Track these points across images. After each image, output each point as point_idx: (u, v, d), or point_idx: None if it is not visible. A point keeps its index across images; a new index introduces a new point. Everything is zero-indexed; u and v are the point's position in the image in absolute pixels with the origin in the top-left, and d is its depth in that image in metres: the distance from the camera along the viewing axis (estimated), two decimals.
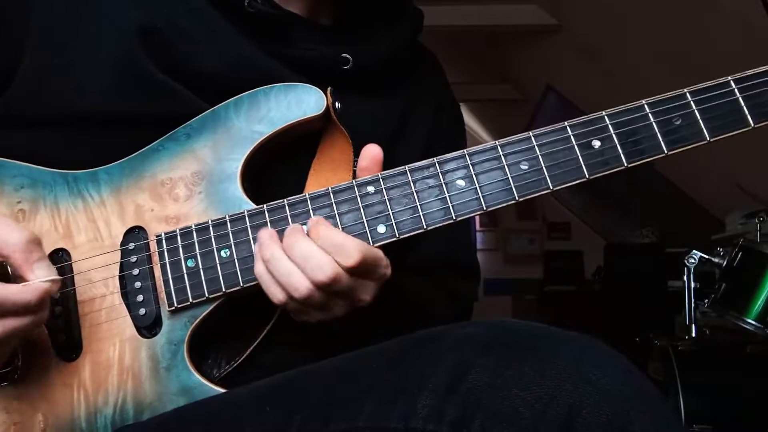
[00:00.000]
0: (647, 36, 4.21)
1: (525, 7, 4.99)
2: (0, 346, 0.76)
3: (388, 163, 0.94)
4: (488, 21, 5.13)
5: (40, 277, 0.75)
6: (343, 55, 0.96)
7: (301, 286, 0.78)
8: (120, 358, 0.84)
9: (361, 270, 0.79)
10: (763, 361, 2.12)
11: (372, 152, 0.87)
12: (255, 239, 0.84)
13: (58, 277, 0.77)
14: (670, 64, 4.15)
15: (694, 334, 2.26)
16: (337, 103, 0.91)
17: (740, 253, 2.07)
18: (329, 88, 0.90)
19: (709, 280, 2.22)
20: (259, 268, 0.81)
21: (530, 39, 5.38)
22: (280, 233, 0.82)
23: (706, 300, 2.16)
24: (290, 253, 0.79)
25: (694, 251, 2.22)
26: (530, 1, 4.94)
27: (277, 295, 0.80)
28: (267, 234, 0.81)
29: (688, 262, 2.23)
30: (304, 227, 0.82)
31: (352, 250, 0.78)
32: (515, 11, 5.03)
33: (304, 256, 0.78)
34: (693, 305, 2.27)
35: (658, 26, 4.03)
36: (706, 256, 2.18)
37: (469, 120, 8.07)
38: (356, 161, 0.93)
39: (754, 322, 1.99)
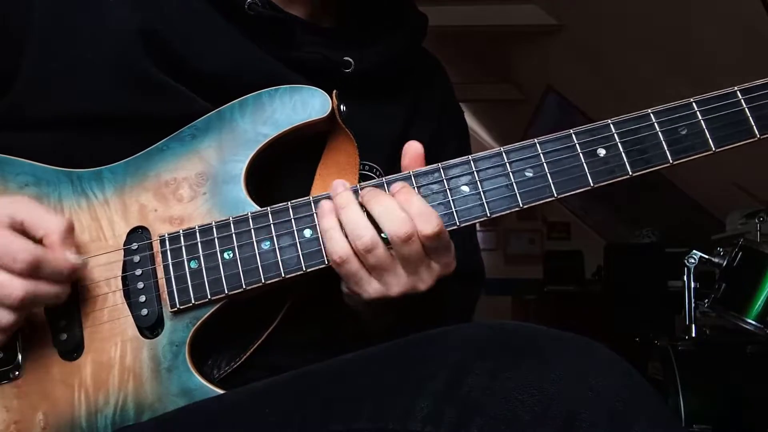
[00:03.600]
0: (647, 36, 4.21)
1: (525, 7, 4.99)
2: (22, 309, 0.77)
3: (391, 168, 0.94)
4: (488, 21, 5.13)
5: (71, 256, 0.79)
6: (345, 58, 0.96)
7: (366, 234, 0.80)
8: (121, 358, 0.84)
9: (435, 244, 0.81)
10: (763, 361, 2.13)
11: (414, 149, 0.88)
12: (259, 242, 0.84)
13: (87, 259, 0.83)
14: (670, 64, 4.15)
15: (694, 334, 2.26)
16: (342, 106, 0.91)
17: (740, 253, 2.07)
18: (335, 91, 0.90)
19: (709, 280, 2.23)
20: (328, 222, 0.83)
21: (530, 39, 5.38)
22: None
23: (706, 300, 2.16)
24: (371, 206, 0.82)
25: (694, 251, 2.22)
26: (530, 1, 4.94)
27: (339, 250, 0.81)
28: (341, 182, 0.84)
29: (688, 262, 2.23)
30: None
31: (434, 218, 0.81)
32: (515, 11, 5.03)
33: (385, 209, 0.81)
34: (693, 305, 2.27)
35: (658, 26, 4.03)
36: (706, 256, 2.18)
37: (469, 120, 8.03)
38: (362, 164, 0.93)
39: (754, 322, 1.99)
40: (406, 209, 0.81)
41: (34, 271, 0.75)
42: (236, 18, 0.93)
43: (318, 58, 0.95)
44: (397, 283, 0.83)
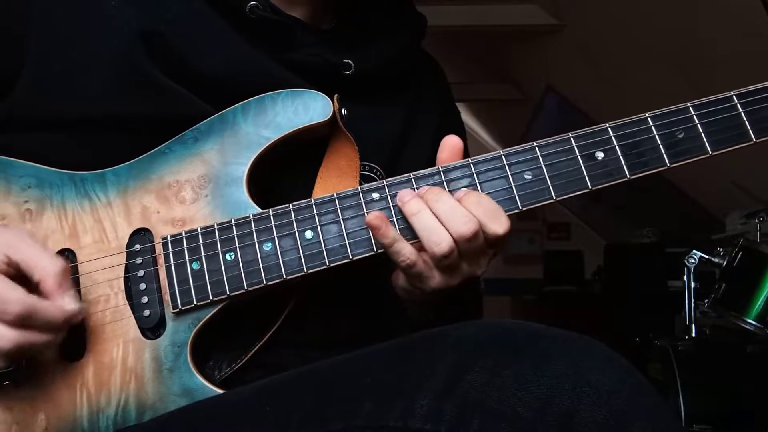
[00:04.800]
0: (647, 36, 4.21)
1: (525, 7, 4.99)
2: (13, 358, 0.77)
3: (391, 169, 0.94)
4: (488, 21, 5.13)
5: (68, 304, 0.77)
6: (345, 60, 0.96)
7: (444, 240, 0.81)
8: (123, 358, 0.84)
9: (501, 239, 0.83)
10: (763, 361, 2.13)
11: (452, 143, 0.88)
12: (261, 243, 0.85)
13: (83, 306, 0.81)
14: (670, 63, 4.15)
15: (694, 334, 2.26)
16: (343, 110, 0.91)
17: (740, 253, 2.07)
18: (336, 95, 0.91)
19: (709, 280, 2.23)
20: (391, 232, 0.83)
21: (530, 39, 5.38)
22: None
23: (706, 300, 2.16)
24: (435, 207, 0.82)
25: (694, 251, 2.22)
26: (530, 1, 4.94)
27: (408, 255, 0.82)
28: (408, 191, 0.84)
29: (688, 262, 2.24)
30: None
31: (504, 217, 0.83)
32: (515, 11, 5.03)
33: (450, 210, 0.81)
34: (693, 305, 2.27)
35: (658, 26, 4.03)
36: (706, 256, 2.18)
37: (469, 120, 8.06)
38: (363, 165, 0.93)
39: (754, 322, 1.99)
40: (472, 211, 0.82)
41: (25, 321, 0.74)
42: (237, 20, 0.93)
43: (318, 61, 0.95)
44: (460, 274, 0.85)
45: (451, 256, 0.82)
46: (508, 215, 0.85)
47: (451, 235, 0.81)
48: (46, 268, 0.77)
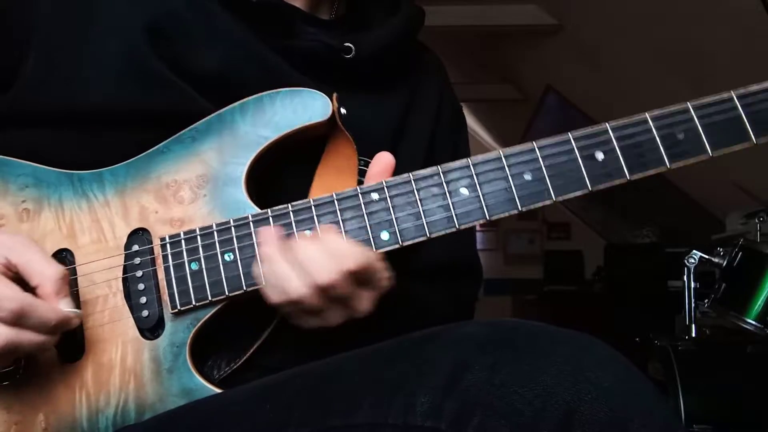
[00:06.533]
0: (647, 36, 4.21)
1: (525, 7, 4.98)
2: (4, 356, 0.77)
3: None
4: (488, 21, 5.12)
5: (63, 307, 0.78)
6: (346, 44, 0.96)
7: (293, 289, 0.79)
8: (122, 359, 0.84)
9: (361, 277, 0.80)
10: (763, 361, 2.12)
11: (384, 159, 0.88)
12: (260, 243, 0.84)
13: (80, 312, 0.81)
14: (670, 64, 4.15)
15: (694, 334, 2.25)
16: (342, 109, 0.91)
17: (740, 253, 2.07)
18: (335, 94, 0.91)
19: (709, 280, 2.22)
20: (259, 269, 0.82)
21: (530, 39, 5.38)
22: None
23: (706, 300, 2.15)
24: (293, 254, 0.80)
25: (694, 251, 2.21)
26: (530, 1, 4.94)
27: (272, 296, 0.81)
28: (268, 233, 0.82)
29: (688, 262, 2.23)
30: (307, 233, 0.84)
31: (352, 256, 0.79)
32: (515, 11, 5.03)
33: (306, 258, 0.79)
34: (693, 305, 2.27)
35: (658, 26, 4.03)
36: (706, 256, 2.17)
37: (469, 120, 8.03)
38: (360, 159, 0.93)
39: (754, 322, 1.98)
40: (328, 251, 0.79)
41: (18, 320, 0.74)
42: (238, 9, 0.94)
43: (319, 46, 0.96)
44: (334, 316, 0.83)
45: (307, 302, 0.79)
46: (508, 215, 0.85)
47: (313, 282, 0.78)
48: (44, 272, 0.77)
